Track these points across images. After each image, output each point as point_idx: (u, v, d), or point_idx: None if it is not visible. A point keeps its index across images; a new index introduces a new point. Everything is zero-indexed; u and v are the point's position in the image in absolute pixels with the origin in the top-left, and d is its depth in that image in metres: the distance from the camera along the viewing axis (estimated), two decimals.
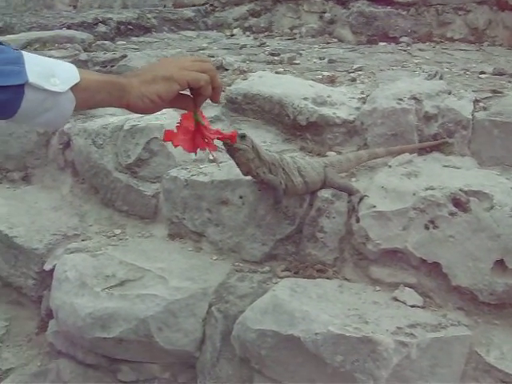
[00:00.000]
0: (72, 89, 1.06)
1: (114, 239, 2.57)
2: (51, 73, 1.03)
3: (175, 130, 1.35)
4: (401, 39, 4.45)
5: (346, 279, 2.18)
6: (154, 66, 1.28)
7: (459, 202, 2.04)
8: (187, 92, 1.28)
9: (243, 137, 2.05)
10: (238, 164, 2.12)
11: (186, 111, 1.34)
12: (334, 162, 2.32)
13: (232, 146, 2.01)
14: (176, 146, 1.35)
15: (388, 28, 4.49)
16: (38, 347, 2.56)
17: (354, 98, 2.78)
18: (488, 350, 1.88)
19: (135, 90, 1.17)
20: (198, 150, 1.39)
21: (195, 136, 1.36)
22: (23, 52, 1.02)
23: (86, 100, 1.10)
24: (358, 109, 2.66)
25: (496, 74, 3.25)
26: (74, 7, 6.07)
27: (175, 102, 1.27)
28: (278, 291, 2.01)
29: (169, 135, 1.34)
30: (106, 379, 2.34)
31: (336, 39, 4.70)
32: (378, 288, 2.10)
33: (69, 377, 2.37)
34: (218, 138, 1.44)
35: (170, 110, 2.89)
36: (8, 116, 1.01)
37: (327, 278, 2.16)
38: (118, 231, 2.64)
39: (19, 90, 0.99)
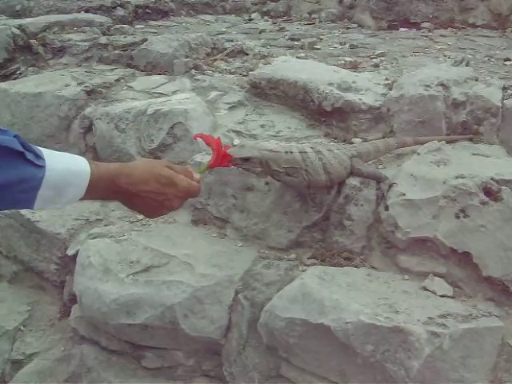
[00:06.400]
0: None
1: (137, 225, 2.55)
2: (60, 193, 1.12)
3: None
4: (422, 25, 4.37)
5: (373, 268, 2.15)
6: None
7: (490, 191, 2.01)
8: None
9: (247, 160, 2.03)
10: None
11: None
12: (363, 151, 2.26)
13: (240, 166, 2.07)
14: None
15: (409, 13, 4.41)
16: (61, 332, 2.55)
17: (379, 84, 2.74)
18: None
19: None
20: None
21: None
22: (46, 170, 1.08)
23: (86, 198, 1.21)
24: (384, 95, 2.61)
25: None
26: None
27: None
28: (307, 279, 1.99)
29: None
30: (129, 365, 2.33)
31: (356, 24, 4.62)
32: (406, 277, 2.07)
33: (92, 362, 2.36)
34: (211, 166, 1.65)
35: (194, 94, 2.87)
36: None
37: (354, 267, 2.14)
38: (140, 216, 2.61)
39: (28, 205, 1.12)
